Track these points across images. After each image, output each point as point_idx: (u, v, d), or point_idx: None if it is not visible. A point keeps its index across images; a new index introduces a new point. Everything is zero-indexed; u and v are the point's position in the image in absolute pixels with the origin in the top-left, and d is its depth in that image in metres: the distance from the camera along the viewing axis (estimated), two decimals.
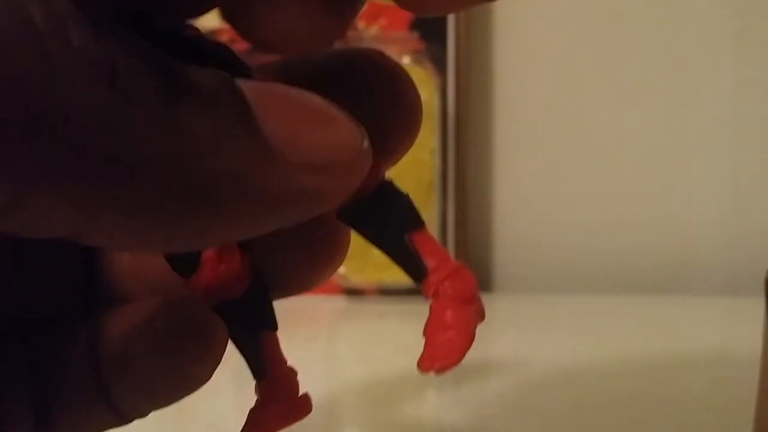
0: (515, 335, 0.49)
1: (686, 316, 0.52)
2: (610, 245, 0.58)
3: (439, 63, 0.54)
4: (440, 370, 0.16)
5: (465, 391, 0.38)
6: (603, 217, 0.58)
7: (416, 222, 0.16)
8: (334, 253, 0.19)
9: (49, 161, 0.12)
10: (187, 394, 0.19)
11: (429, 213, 0.54)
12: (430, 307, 0.16)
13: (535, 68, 0.58)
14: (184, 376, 0.18)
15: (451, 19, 0.54)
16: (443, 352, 0.16)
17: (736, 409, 0.33)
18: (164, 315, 0.18)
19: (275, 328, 0.18)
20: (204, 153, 0.13)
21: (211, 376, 0.18)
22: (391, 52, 0.54)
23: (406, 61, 0.54)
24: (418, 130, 0.18)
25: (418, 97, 0.18)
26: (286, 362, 0.18)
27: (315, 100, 0.15)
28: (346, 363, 0.44)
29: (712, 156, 0.57)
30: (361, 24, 0.54)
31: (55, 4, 0.12)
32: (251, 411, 0.18)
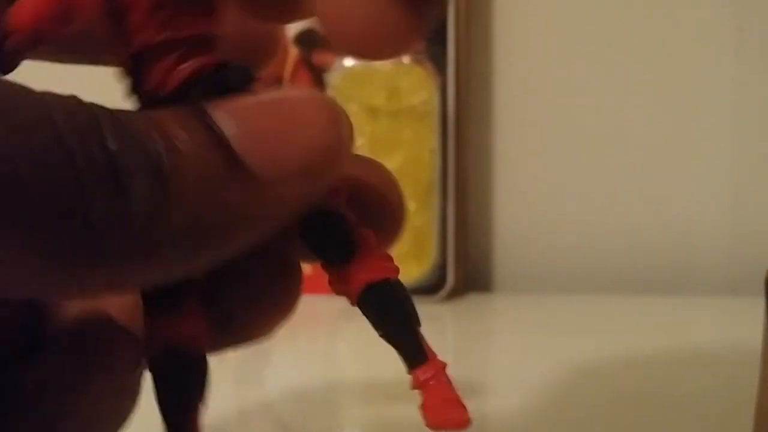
0: (515, 335, 0.49)
1: (686, 316, 0.52)
2: (610, 245, 0.58)
3: (439, 63, 0.54)
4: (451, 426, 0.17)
5: (464, 391, 0.38)
6: (603, 217, 0.58)
7: (418, 318, 0.18)
8: (287, 302, 0.20)
9: (70, 247, 0.14)
10: (118, 427, 0.19)
11: (429, 213, 0.54)
12: (425, 395, 0.18)
13: (535, 68, 0.58)
14: (96, 410, 0.18)
15: (451, 19, 0.54)
16: (451, 414, 0.17)
17: (736, 409, 0.33)
18: (75, 346, 0.19)
19: (205, 400, 0.18)
20: (196, 204, 0.15)
21: (126, 409, 0.19)
22: None
23: (406, 61, 0.54)
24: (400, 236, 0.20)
25: (405, 211, 0.20)
26: None
27: (287, 100, 0.16)
28: (346, 363, 0.44)
29: (712, 156, 0.57)
30: None
31: (79, 118, 0.14)
32: None
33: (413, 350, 0.18)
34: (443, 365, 0.18)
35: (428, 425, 0.17)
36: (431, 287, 0.53)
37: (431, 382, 0.17)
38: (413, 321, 0.18)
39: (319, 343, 0.48)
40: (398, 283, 0.18)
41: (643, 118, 0.58)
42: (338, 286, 0.18)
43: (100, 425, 0.19)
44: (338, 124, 0.16)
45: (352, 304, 0.18)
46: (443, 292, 0.53)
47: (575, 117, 0.58)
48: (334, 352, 0.47)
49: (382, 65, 0.54)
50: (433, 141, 0.54)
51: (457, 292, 0.54)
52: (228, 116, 0.16)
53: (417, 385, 0.18)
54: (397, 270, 0.18)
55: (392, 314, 0.18)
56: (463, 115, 0.55)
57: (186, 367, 0.18)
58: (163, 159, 0.15)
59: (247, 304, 0.19)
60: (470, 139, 0.57)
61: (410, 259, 0.54)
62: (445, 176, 0.54)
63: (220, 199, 0.15)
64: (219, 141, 0.15)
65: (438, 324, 0.51)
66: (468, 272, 0.56)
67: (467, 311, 0.53)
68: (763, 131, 0.57)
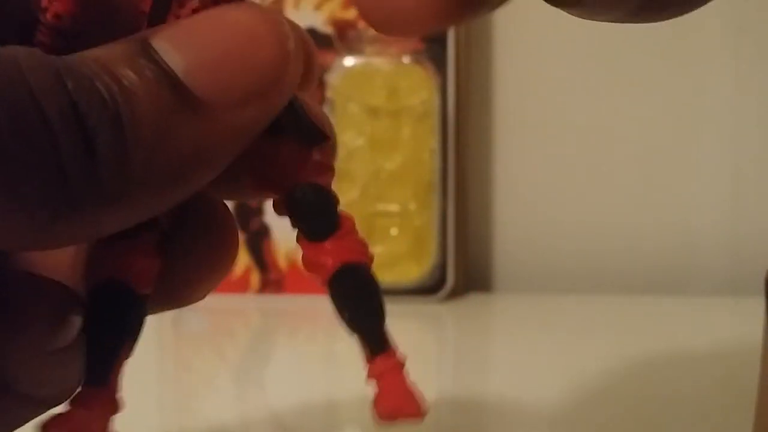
0: (515, 335, 0.49)
1: (686, 316, 0.52)
2: (610, 245, 0.58)
3: (439, 63, 0.54)
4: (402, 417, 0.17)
5: (465, 391, 0.38)
6: (603, 217, 0.58)
7: (384, 312, 0.18)
8: (223, 260, 0.20)
9: (48, 199, 0.15)
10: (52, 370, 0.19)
11: (429, 213, 0.54)
12: (381, 385, 0.17)
13: (535, 68, 0.58)
14: (24, 370, 0.18)
15: None
16: (406, 404, 0.17)
17: (736, 409, 0.33)
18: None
19: (137, 340, 0.18)
20: (154, 145, 0.15)
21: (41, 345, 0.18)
22: (391, 51, 0.54)
23: (406, 61, 0.54)
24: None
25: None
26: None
27: (231, 20, 0.16)
28: (346, 363, 0.44)
29: (712, 156, 0.57)
30: (361, 24, 0.54)
31: (46, 72, 0.15)
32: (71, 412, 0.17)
33: (376, 338, 0.17)
34: (403, 360, 0.17)
35: (380, 416, 0.17)
36: (431, 287, 0.53)
37: (390, 373, 0.17)
38: (381, 310, 0.18)
39: (319, 343, 0.48)
40: (371, 271, 0.18)
41: (643, 118, 0.58)
42: (313, 262, 0.18)
43: (37, 385, 0.19)
44: (284, 38, 0.16)
45: (323, 282, 0.18)
46: (443, 292, 0.53)
47: (575, 117, 0.58)
48: (334, 352, 0.47)
49: (382, 65, 0.54)
50: (433, 141, 0.54)
51: (457, 292, 0.54)
52: (173, 47, 0.16)
53: (374, 374, 0.17)
54: (371, 258, 0.18)
55: (362, 297, 0.18)
56: (463, 115, 0.55)
57: (126, 303, 0.17)
58: (120, 106, 0.15)
59: (183, 257, 0.19)
60: (470, 139, 0.57)
61: (410, 259, 0.54)
62: (445, 176, 0.54)
63: (177, 135, 0.15)
64: (167, 76, 0.16)
65: (438, 324, 0.51)
66: (468, 272, 0.56)
67: (467, 311, 0.53)
68: (763, 132, 0.57)
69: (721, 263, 0.57)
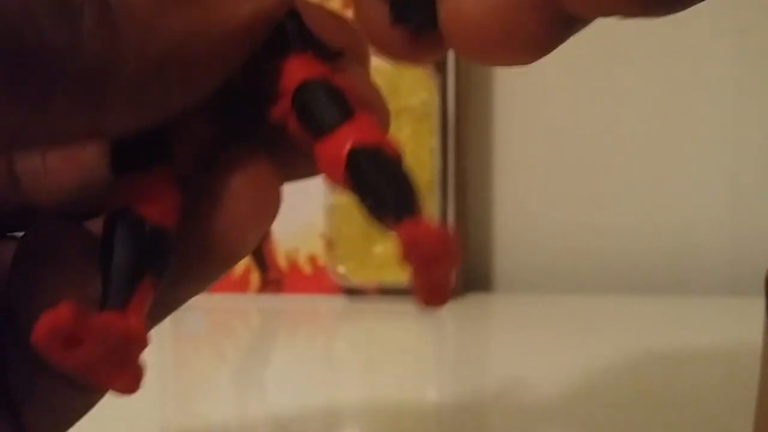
0: (515, 335, 0.49)
1: (686, 316, 0.52)
2: (610, 245, 0.58)
3: (439, 63, 0.54)
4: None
5: (465, 391, 0.38)
6: (603, 217, 0.58)
7: (415, 195, 0.16)
8: (258, 209, 0.19)
9: (30, 81, 0.14)
10: None
11: (429, 213, 0.54)
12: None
13: (535, 68, 0.58)
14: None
15: None
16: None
17: (736, 409, 0.33)
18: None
19: (161, 276, 0.16)
20: (146, 21, 0.15)
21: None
22: None
23: None
24: None
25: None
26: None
27: None
28: (346, 363, 0.44)
29: (712, 156, 0.57)
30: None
31: None
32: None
33: (400, 202, 0.15)
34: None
35: (409, 261, 0.15)
36: None
37: (420, 227, 0.15)
38: (407, 185, 0.15)
39: (319, 343, 0.48)
40: (394, 157, 0.16)
41: (643, 118, 0.58)
42: (326, 161, 0.16)
43: None
44: None
45: (340, 178, 0.16)
46: None
47: (575, 117, 0.58)
48: (334, 352, 0.47)
49: (382, 65, 0.54)
50: (433, 141, 0.54)
51: (457, 292, 0.54)
52: None
53: (400, 234, 0.15)
54: (394, 147, 0.16)
55: (380, 171, 0.16)
56: (463, 115, 0.55)
57: (135, 229, 0.16)
58: None
59: (213, 201, 0.18)
60: (470, 139, 0.57)
61: None
62: (445, 176, 0.54)
63: (172, 18, 0.15)
64: None
65: (438, 324, 0.51)
66: (468, 272, 0.56)
67: (467, 311, 0.53)
68: (763, 131, 0.57)
69: (721, 263, 0.57)
